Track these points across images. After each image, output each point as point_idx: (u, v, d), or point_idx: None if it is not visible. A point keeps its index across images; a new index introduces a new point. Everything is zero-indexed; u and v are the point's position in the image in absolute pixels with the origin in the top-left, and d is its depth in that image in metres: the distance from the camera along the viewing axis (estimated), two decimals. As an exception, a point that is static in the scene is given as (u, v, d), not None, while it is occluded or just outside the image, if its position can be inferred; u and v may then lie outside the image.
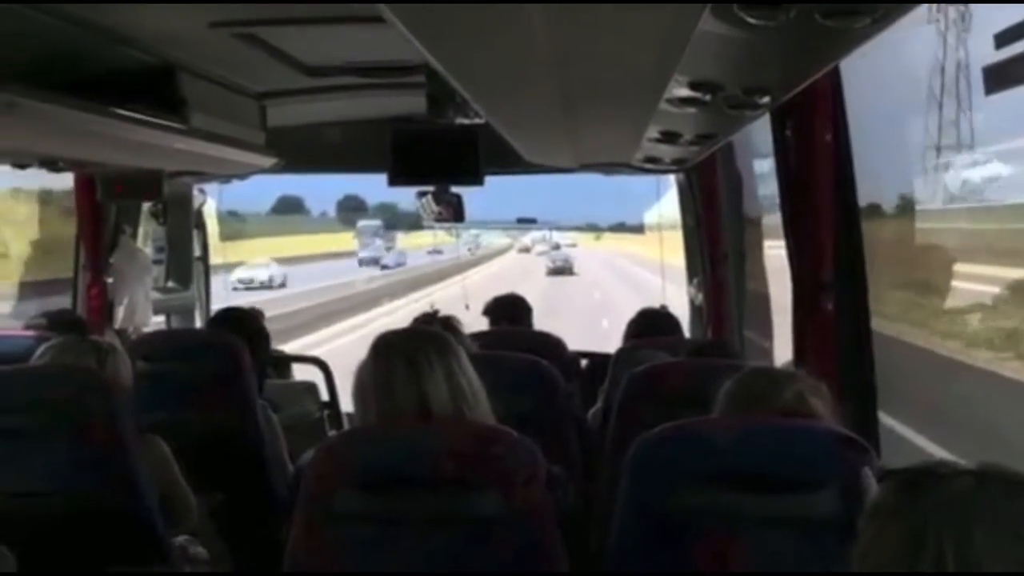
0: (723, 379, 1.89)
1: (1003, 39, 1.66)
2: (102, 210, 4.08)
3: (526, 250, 42.89)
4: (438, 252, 34.02)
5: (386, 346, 1.91)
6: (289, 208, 37.93)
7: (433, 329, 2.12)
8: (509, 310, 3.94)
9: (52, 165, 3.30)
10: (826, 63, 1.93)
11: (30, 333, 3.35)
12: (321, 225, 39.26)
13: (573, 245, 42.70)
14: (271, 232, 34.57)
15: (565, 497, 1.85)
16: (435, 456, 1.75)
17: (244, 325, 3.33)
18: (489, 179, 4.11)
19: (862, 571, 1.03)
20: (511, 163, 3.84)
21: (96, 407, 2.33)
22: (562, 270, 31.01)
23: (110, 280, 4.15)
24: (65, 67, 2.46)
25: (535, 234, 41.80)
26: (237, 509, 2.89)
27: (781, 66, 1.95)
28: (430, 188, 4.33)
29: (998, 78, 1.65)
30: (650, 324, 3.73)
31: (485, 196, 4.30)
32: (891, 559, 0.99)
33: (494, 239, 47.25)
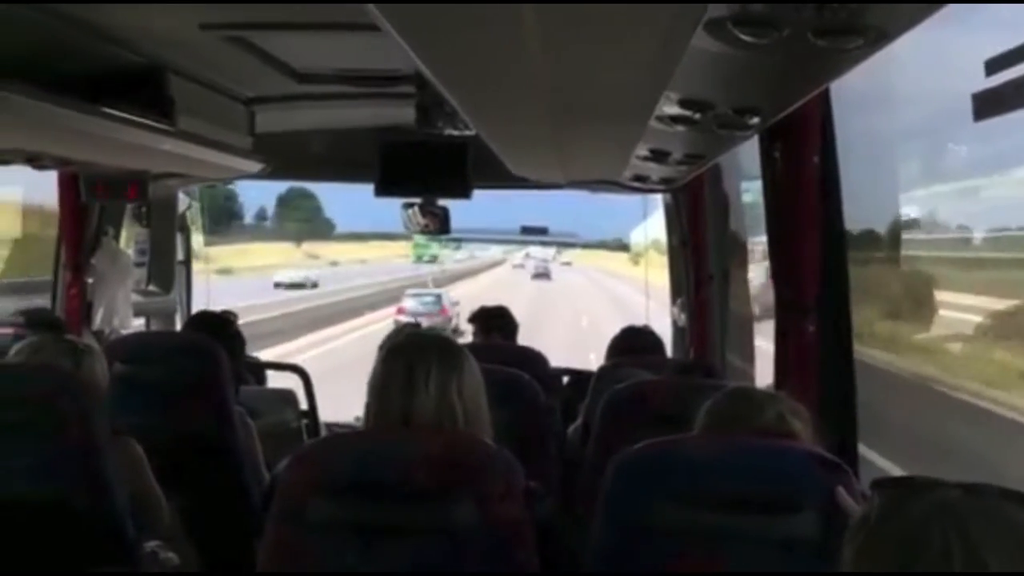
0: (704, 398, 1.88)
1: (993, 66, 1.68)
2: (85, 210, 4.04)
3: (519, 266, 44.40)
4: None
5: (394, 350, 1.90)
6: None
7: (446, 338, 2.06)
8: (496, 321, 3.93)
9: (36, 162, 3.26)
10: (818, 84, 1.94)
11: (6, 331, 3.31)
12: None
13: (568, 263, 43.46)
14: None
15: (542, 512, 1.83)
16: (409, 465, 1.73)
17: (220, 329, 3.31)
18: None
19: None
20: (499, 177, 3.84)
21: (70, 407, 2.29)
22: (543, 274, 40.18)
23: (90, 281, 4.12)
24: (53, 64, 2.44)
25: (532, 249, 42.63)
26: (210, 515, 2.85)
27: (772, 86, 1.96)
28: (416, 200, 4.31)
29: (989, 104, 1.66)
30: (633, 342, 3.72)
31: (465, 205, 4.27)
32: (891, 561, 0.99)
33: (477, 251, 47.28)
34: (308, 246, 39.10)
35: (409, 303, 22.33)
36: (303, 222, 37.01)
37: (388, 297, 26.69)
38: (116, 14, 2.48)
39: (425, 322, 16.29)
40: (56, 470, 2.27)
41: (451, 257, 42.82)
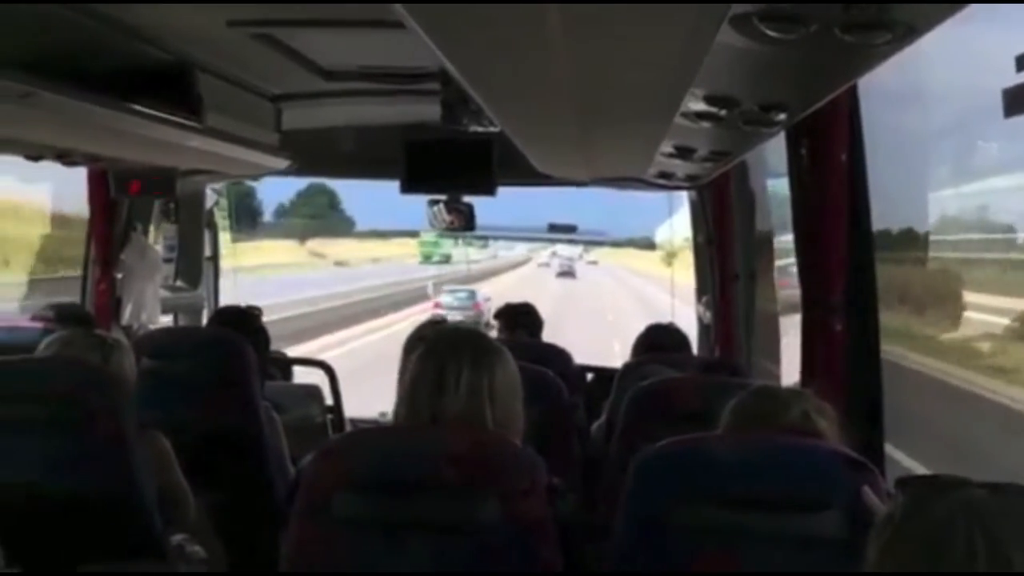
0: (729, 397, 1.88)
1: (1024, 62, 1.66)
2: (114, 206, 4.09)
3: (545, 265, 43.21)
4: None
5: (430, 346, 1.90)
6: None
7: (481, 336, 2.01)
8: (522, 318, 3.93)
9: (65, 158, 3.30)
10: (845, 80, 1.93)
11: (37, 325, 3.36)
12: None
13: (595, 262, 43.03)
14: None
15: (565, 509, 1.83)
16: (434, 460, 1.73)
17: (245, 324, 3.33)
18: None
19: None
20: (524, 174, 3.84)
21: (98, 401, 2.32)
22: (568, 272, 39.96)
23: (119, 276, 4.16)
24: (84, 61, 2.46)
25: (558, 247, 41.80)
26: (236, 510, 2.87)
27: (799, 82, 1.95)
28: (442, 197, 4.32)
29: (1020, 100, 1.65)
30: (658, 339, 3.71)
31: (490, 201, 4.25)
32: (916, 560, 0.99)
33: (501, 250, 45.98)
34: (316, 244, 35.87)
35: (444, 298, 22.75)
36: (309, 218, 33.90)
37: (392, 303, 24.84)
38: (145, 12, 2.51)
39: (458, 316, 17.27)
40: (85, 463, 2.30)
41: (467, 257, 39.74)
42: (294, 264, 32.02)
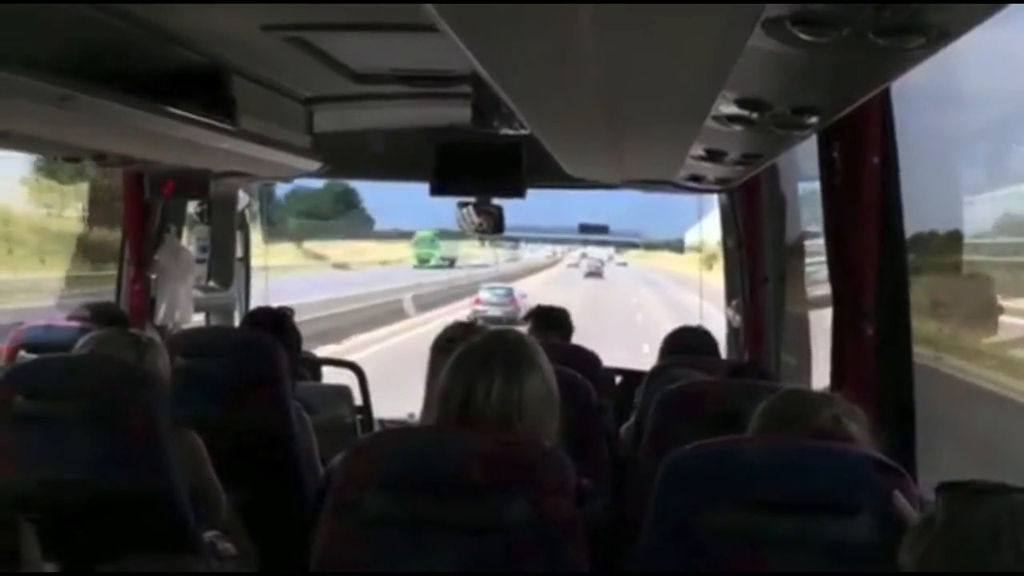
0: (758, 400, 1.87)
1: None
2: (149, 208, 4.14)
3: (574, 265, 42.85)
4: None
5: (460, 359, 1.89)
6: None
7: (515, 343, 1.95)
8: (554, 320, 3.93)
9: (101, 160, 3.35)
10: (878, 84, 1.92)
11: (73, 324, 3.41)
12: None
13: (624, 264, 42.85)
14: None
15: (594, 510, 1.83)
16: (464, 461, 1.74)
17: (278, 324, 3.36)
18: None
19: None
20: (553, 177, 3.84)
21: (133, 398, 2.35)
22: (594, 273, 40.40)
23: (153, 276, 4.21)
24: (121, 64, 2.50)
25: (589, 248, 41.29)
26: (266, 508, 2.90)
27: (831, 86, 1.94)
28: (471, 199, 4.34)
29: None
30: (686, 342, 3.70)
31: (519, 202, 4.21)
32: (959, 565, 0.98)
33: (526, 252, 43.91)
34: (315, 245, 32.86)
35: (484, 295, 23.91)
36: (305, 216, 30.55)
37: (355, 323, 20.01)
38: (181, 15, 2.54)
39: (497, 311, 18.66)
40: (119, 459, 2.33)
41: (470, 259, 36.17)
42: (291, 267, 28.26)
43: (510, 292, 24.31)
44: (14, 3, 2.11)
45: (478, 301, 22.79)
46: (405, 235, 34.88)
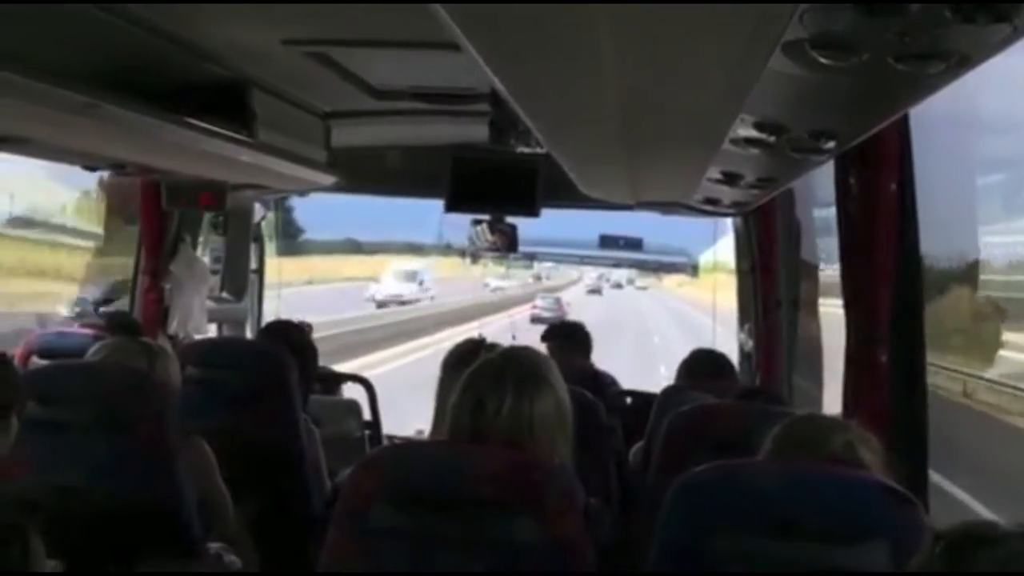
0: (769, 424, 1.86)
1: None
2: (165, 217, 4.16)
3: (597, 291, 41.04)
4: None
5: (477, 367, 1.89)
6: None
7: (528, 363, 1.92)
8: (572, 340, 3.92)
9: (120, 169, 3.38)
10: (897, 109, 1.91)
11: (87, 331, 3.43)
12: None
13: (644, 288, 41.50)
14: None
15: (601, 530, 1.82)
16: (473, 477, 1.74)
17: (293, 338, 3.37)
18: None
19: None
20: (568, 196, 3.85)
21: (143, 406, 2.36)
22: (595, 290, 42.00)
23: (168, 286, 4.23)
24: (144, 76, 2.53)
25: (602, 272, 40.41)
26: (272, 520, 2.89)
27: (850, 111, 1.93)
28: (485, 217, 4.34)
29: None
30: (703, 365, 3.68)
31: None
32: None
33: (524, 273, 41.14)
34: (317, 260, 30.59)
35: (539, 302, 28.35)
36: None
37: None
38: (204, 29, 2.57)
39: (548, 314, 23.06)
40: (128, 466, 2.33)
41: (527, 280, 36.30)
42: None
43: (558, 301, 29.46)
44: (38, 7, 2.13)
45: (535, 306, 27.49)
46: (416, 249, 34.22)
